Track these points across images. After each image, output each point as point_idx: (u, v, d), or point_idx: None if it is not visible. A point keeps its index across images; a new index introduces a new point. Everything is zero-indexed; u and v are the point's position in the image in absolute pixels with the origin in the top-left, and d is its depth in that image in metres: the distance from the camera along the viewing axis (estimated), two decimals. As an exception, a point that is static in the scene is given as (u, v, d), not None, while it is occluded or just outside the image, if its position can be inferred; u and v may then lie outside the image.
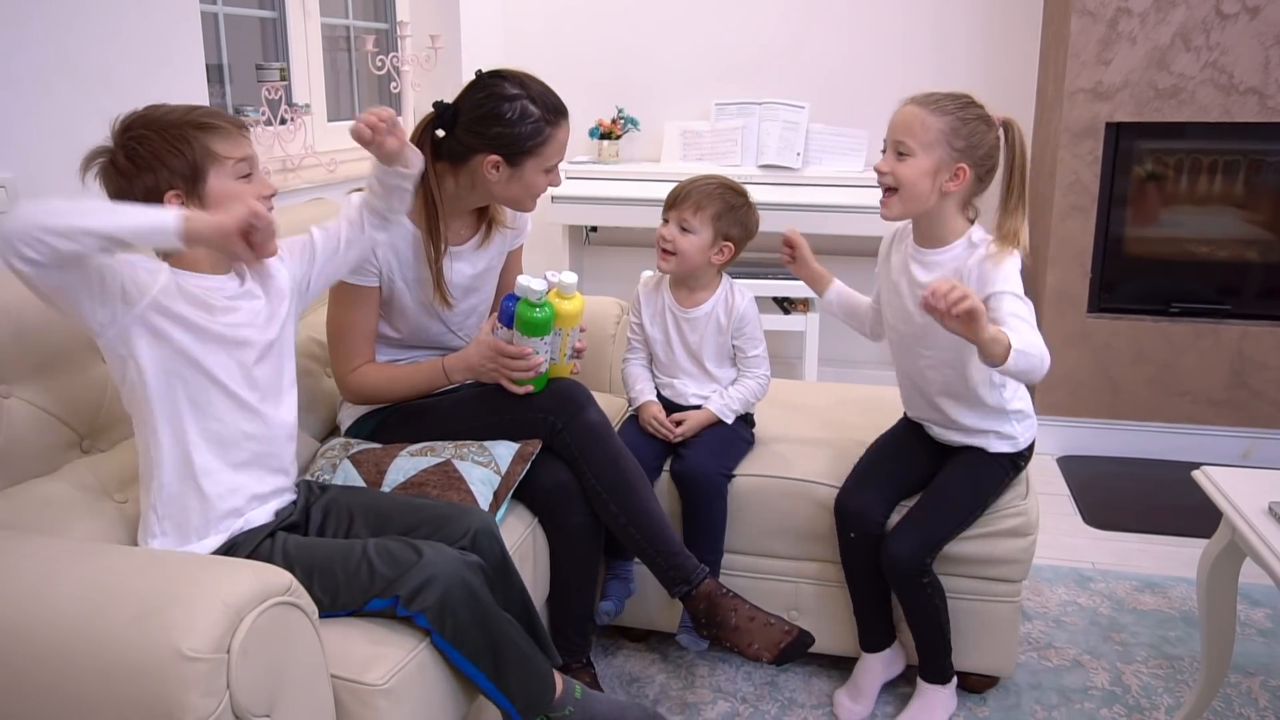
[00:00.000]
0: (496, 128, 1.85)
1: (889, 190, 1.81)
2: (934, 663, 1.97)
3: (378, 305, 1.96)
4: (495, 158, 1.87)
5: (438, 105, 1.90)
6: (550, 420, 1.90)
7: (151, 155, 1.42)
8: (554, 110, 1.90)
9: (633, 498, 1.89)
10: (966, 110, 1.77)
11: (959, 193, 1.80)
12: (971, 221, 1.86)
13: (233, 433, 1.50)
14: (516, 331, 1.85)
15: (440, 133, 1.89)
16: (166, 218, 1.32)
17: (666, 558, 1.89)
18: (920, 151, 1.76)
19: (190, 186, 1.44)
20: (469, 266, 2.03)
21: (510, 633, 1.55)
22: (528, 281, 1.81)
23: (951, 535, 1.92)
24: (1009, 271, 1.74)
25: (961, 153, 1.76)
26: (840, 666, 2.14)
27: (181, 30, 2.19)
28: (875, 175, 1.84)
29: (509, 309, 1.86)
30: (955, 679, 2.00)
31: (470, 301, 2.07)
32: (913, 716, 1.97)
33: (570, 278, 1.88)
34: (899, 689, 2.08)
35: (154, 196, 1.42)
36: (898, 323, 1.96)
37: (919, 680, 1.99)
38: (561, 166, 3.87)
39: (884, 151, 1.83)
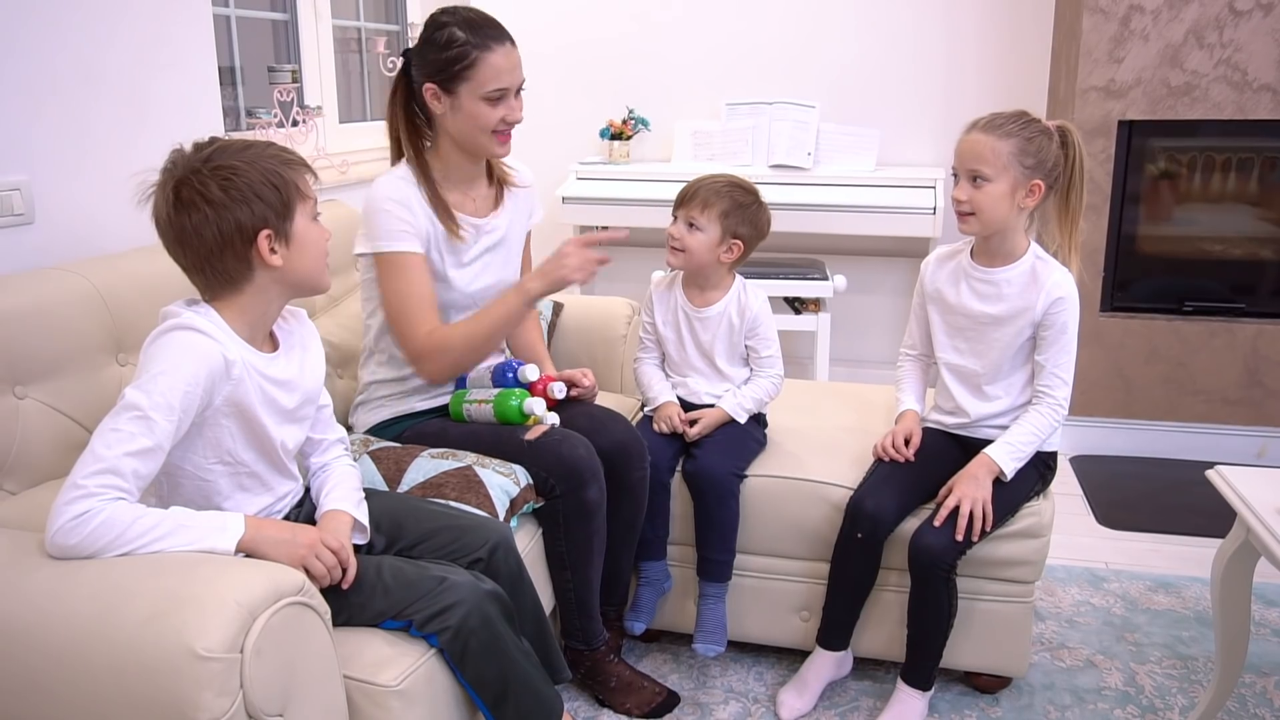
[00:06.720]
0: (431, 54, 1.86)
1: (967, 214, 1.87)
2: (921, 665, 1.95)
3: (428, 271, 1.93)
4: (432, 86, 1.87)
5: (405, 52, 1.93)
6: (550, 483, 1.88)
7: (247, 187, 1.35)
8: (479, 32, 1.84)
9: (589, 570, 1.94)
10: (1028, 128, 1.83)
11: (1033, 205, 1.87)
12: (1027, 232, 1.93)
13: (249, 468, 1.48)
14: (496, 401, 1.93)
15: (402, 78, 1.93)
16: (227, 537, 1.32)
17: (584, 619, 1.97)
18: (996, 176, 1.83)
19: (280, 225, 1.39)
20: (495, 231, 2.04)
21: (520, 664, 1.54)
22: (526, 369, 1.98)
23: (981, 539, 1.91)
24: (1076, 314, 1.89)
25: (1032, 169, 1.83)
26: (860, 668, 2.13)
27: (193, 33, 2.20)
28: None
29: (507, 375, 1.98)
30: (933, 691, 1.98)
31: (498, 262, 2.07)
32: None
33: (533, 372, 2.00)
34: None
35: (244, 234, 1.36)
36: (957, 342, 2.01)
37: (899, 683, 1.97)
38: (571, 167, 3.89)
39: (955, 178, 1.89)
